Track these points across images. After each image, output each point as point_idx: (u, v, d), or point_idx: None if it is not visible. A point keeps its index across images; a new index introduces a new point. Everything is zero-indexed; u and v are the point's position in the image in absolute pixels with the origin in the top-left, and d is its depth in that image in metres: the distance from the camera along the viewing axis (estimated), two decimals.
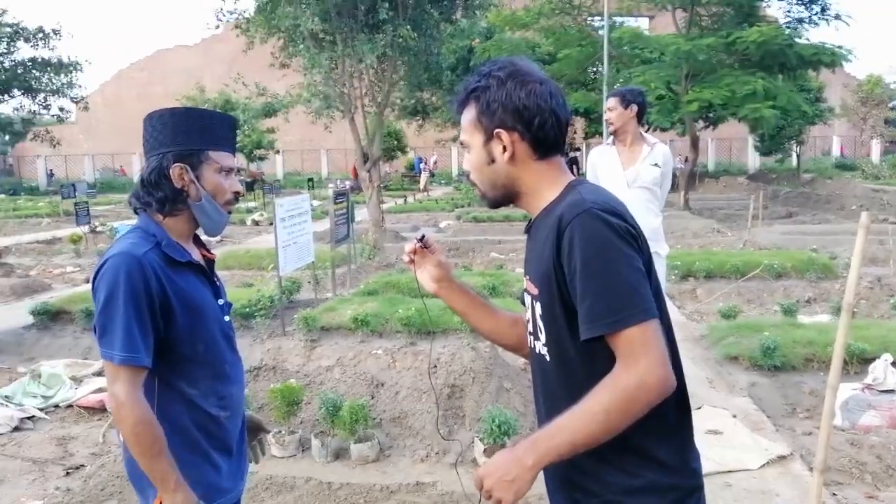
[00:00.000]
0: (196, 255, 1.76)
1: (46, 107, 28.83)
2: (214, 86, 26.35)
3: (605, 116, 4.26)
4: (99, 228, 13.44)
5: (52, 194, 28.66)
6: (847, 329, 3.00)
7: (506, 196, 1.42)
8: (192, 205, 1.69)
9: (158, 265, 1.59)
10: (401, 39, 10.25)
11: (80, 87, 28.80)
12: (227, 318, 1.81)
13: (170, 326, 1.61)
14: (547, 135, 1.35)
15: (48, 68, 27.49)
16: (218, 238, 13.82)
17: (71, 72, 27.74)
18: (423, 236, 1.62)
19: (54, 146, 29.25)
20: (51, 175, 38.92)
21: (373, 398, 4.11)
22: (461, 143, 1.43)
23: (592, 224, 1.21)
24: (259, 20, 11.11)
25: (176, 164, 1.65)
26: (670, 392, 1.20)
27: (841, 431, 4.08)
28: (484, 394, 3.89)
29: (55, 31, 26.90)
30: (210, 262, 1.81)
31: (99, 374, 5.35)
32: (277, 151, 29.85)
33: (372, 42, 10.26)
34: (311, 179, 26.83)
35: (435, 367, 4.05)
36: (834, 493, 3.41)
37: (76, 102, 29.13)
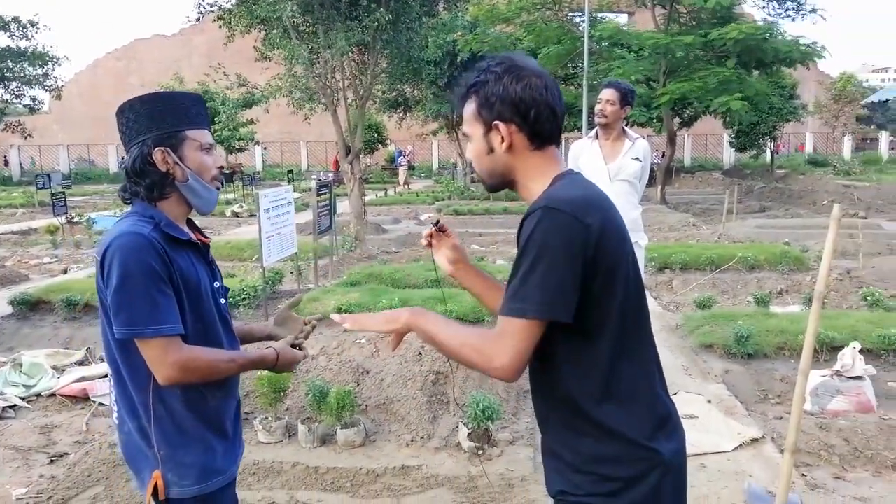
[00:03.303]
0: (193, 236, 1.79)
1: (19, 96, 28.29)
2: (193, 77, 25.95)
3: (598, 107, 4.21)
4: (76, 219, 13.26)
5: (26, 185, 28.17)
6: (818, 317, 3.13)
7: (503, 183, 1.50)
8: (179, 186, 1.72)
9: (162, 244, 1.63)
10: (376, 24, 10.20)
11: (56, 78, 28.32)
12: (223, 300, 1.85)
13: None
14: (542, 126, 1.43)
15: (22, 59, 26.98)
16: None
17: (47, 63, 27.28)
18: (439, 221, 1.73)
19: (25, 137, 28.73)
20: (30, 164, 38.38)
21: (358, 385, 4.18)
22: (464, 134, 1.51)
23: (540, 218, 1.30)
24: (240, 11, 11.03)
25: (157, 149, 1.68)
26: (508, 381, 1.35)
27: (811, 416, 4.24)
28: (468, 380, 3.98)
29: (32, 23, 26.44)
30: (206, 245, 1.85)
31: (81, 363, 5.34)
32: (257, 143, 29.58)
33: (349, 31, 10.23)
34: (290, 171, 26.69)
35: (420, 354, 4.12)
36: (803, 474, 3.55)
37: (49, 92, 28.63)
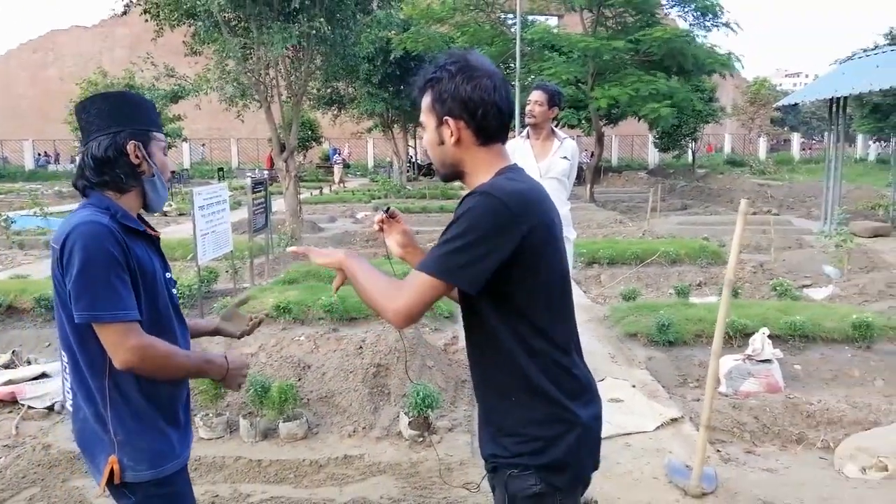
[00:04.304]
0: (146, 228, 1.86)
1: None
2: (114, 71, 24.92)
3: (528, 108, 4.42)
4: None
5: None
6: (728, 302, 3.43)
7: (453, 174, 1.65)
8: (145, 180, 1.82)
9: (121, 233, 1.70)
10: (315, 30, 10.23)
11: None
12: (174, 290, 1.93)
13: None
14: (489, 124, 1.56)
15: None
16: None
17: None
18: (389, 208, 1.86)
19: None
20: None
21: (300, 380, 4.24)
22: (420, 123, 1.65)
23: (478, 200, 1.45)
24: (168, 4, 10.74)
25: (131, 142, 1.78)
26: (397, 325, 1.50)
27: (725, 397, 4.58)
28: (409, 370, 4.11)
29: None
30: (157, 238, 1.92)
31: (7, 365, 5.16)
32: (185, 140, 28.69)
33: (286, 31, 10.17)
34: (221, 169, 26.08)
35: (361, 348, 4.22)
36: (718, 450, 3.85)
37: None
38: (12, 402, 4.62)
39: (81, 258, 1.62)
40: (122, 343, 1.64)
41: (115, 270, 1.65)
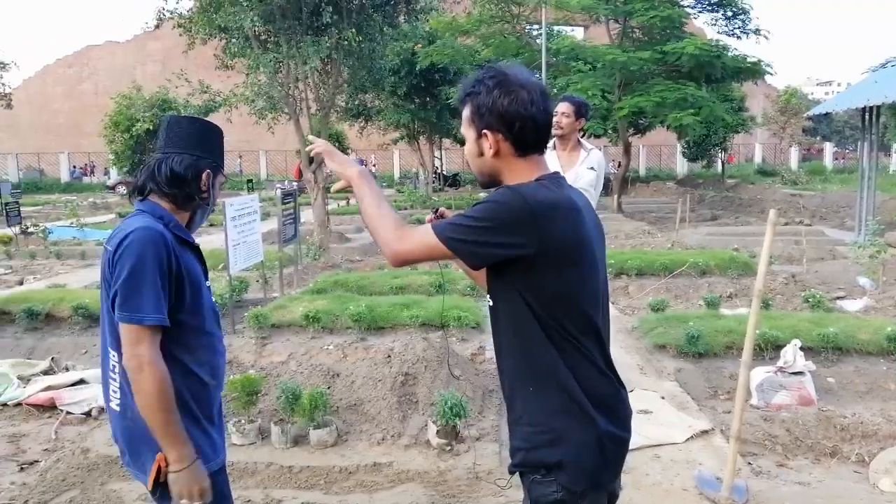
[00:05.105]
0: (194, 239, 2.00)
1: None
2: (147, 85, 25.51)
3: (554, 119, 4.45)
4: (31, 229, 12.96)
5: None
6: (758, 312, 3.42)
7: (491, 182, 1.70)
8: (201, 206, 1.98)
9: (173, 241, 1.82)
10: (346, 42, 10.40)
11: (4, 85, 27.60)
12: (212, 296, 2.04)
13: (178, 298, 1.81)
14: (526, 137, 1.61)
15: None
16: None
17: None
18: (438, 208, 1.96)
19: None
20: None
21: (329, 388, 4.30)
22: (461, 133, 1.71)
23: (505, 194, 1.54)
24: (201, 19, 11.00)
25: (207, 170, 1.94)
26: (393, 262, 1.63)
27: (756, 409, 4.53)
28: (436, 380, 4.14)
29: None
30: (198, 247, 2.03)
31: (46, 372, 5.32)
32: None
33: (317, 45, 10.36)
34: (250, 181, 26.45)
35: (389, 357, 4.27)
36: (749, 462, 3.81)
37: None
38: (52, 407, 4.76)
39: (133, 261, 1.73)
40: (136, 345, 1.71)
41: (163, 277, 1.76)
